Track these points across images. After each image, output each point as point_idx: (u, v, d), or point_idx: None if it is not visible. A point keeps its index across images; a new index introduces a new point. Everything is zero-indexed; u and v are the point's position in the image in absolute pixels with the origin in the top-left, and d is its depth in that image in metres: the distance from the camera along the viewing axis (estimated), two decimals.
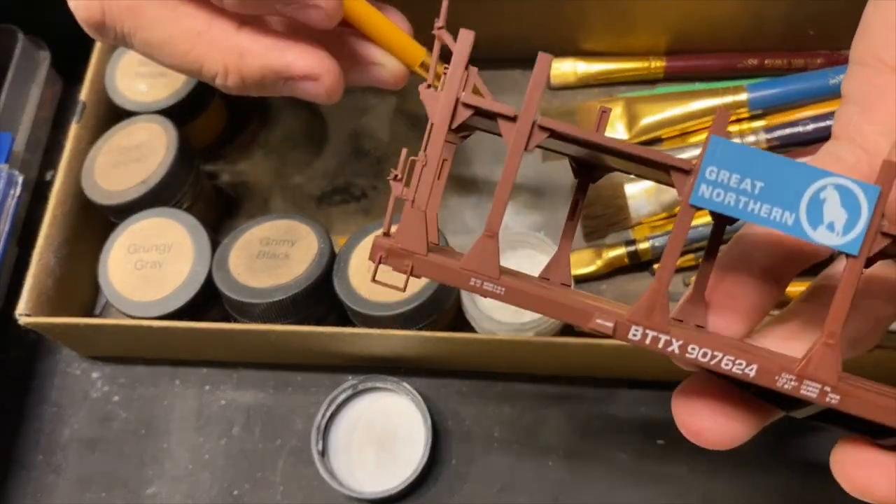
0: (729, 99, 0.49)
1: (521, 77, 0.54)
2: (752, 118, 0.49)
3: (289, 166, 0.53)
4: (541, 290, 0.20)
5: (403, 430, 0.44)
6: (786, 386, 0.19)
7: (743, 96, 0.49)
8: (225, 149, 0.54)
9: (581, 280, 0.48)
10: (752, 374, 0.19)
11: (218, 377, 0.48)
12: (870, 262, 0.20)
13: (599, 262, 0.47)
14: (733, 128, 0.49)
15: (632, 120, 0.50)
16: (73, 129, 0.47)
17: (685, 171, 0.19)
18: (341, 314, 0.44)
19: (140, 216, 0.45)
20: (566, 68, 0.53)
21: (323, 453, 0.43)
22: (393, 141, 0.53)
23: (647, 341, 0.20)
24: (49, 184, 0.46)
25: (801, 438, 0.43)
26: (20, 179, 0.48)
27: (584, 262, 0.47)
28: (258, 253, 0.43)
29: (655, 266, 0.47)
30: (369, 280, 0.21)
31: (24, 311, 0.42)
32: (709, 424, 0.21)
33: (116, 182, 0.45)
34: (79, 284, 0.47)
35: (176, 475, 0.45)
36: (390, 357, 0.45)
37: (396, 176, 0.20)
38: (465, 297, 0.43)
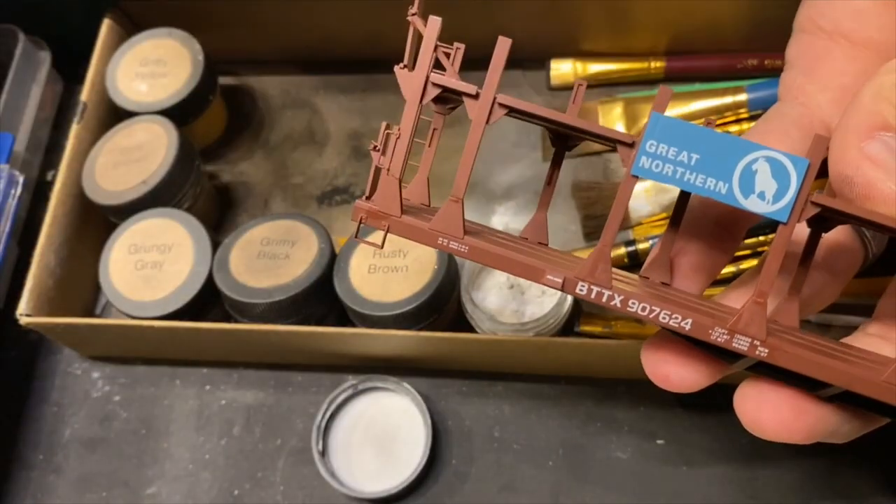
0: (729, 99, 0.49)
1: (521, 77, 0.54)
2: (752, 118, 0.49)
3: (289, 166, 0.53)
4: (500, 248, 0.22)
5: (403, 430, 0.44)
6: (719, 339, 0.21)
7: (742, 97, 0.49)
8: (225, 149, 0.54)
9: None
10: (688, 327, 0.21)
11: (218, 377, 0.48)
12: (826, 230, 0.22)
13: None
14: (733, 128, 0.49)
15: (632, 120, 0.50)
16: (74, 130, 0.47)
17: (628, 144, 0.20)
18: (341, 314, 0.44)
19: (141, 216, 0.45)
20: (566, 69, 0.53)
21: (323, 453, 0.43)
22: None
23: (592, 296, 0.21)
24: (50, 184, 0.46)
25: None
26: (21, 179, 0.48)
27: None
28: (258, 253, 0.43)
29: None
30: (366, 275, 0.22)
31: (24, 311, 0.42)
32: (673, 369, 0.22)
33: (117, 182, 0.45)
34: (79, 284, 0.47)
35: (176, 475, 0.45)
36: (390, 357, 0.45)
37: (375, 147, 0.22)
38: (465, 297, 0.43)
